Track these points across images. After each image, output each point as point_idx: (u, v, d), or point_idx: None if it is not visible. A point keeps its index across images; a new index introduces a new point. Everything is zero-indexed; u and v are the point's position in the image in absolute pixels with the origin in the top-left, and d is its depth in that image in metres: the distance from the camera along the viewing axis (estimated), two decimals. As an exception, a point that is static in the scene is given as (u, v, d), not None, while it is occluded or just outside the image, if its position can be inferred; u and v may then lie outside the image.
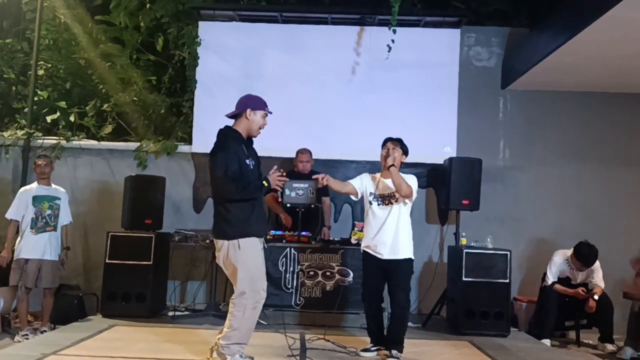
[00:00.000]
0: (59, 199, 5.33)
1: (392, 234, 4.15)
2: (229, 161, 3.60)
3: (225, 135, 3.73)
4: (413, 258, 4.21)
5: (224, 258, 3.66)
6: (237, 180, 3.57)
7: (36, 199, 5.20)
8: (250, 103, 3.75)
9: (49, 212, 5.23)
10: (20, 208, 5.18)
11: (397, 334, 4.18)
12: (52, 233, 5.22)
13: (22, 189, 5.35)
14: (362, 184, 4.29)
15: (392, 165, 4.10)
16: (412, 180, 4.18)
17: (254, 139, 3.85)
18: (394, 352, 4.10)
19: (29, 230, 5.13)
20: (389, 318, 4.32)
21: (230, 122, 3.84)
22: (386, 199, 4.19)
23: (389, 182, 4.18)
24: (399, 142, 4.26)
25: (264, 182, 3.67)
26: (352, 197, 4.34)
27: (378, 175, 4.26)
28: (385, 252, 4.14)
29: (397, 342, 4.16)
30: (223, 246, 3.65)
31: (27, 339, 4.88)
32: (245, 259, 3.60)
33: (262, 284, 3.67)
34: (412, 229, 4.26)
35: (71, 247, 5.51)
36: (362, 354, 4.27)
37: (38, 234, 5.15)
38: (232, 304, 3.64)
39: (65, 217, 5.37)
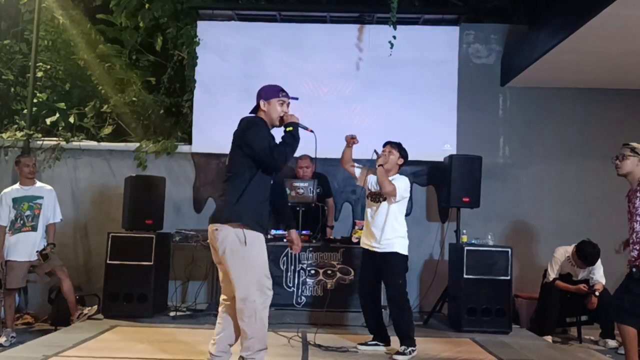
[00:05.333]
0: (41, 197, 5.20)
1: (379, 229, 4.26)
2: (266, 135, 3.37)
3: (254, 119, 3.49)
4: (402, 253, 4.26)
5: (225, 250, 3.28)
6: (277, 146, 3.34)
7: (16, 201, 5.13)
8: (263, 94, 3.52)
9: (28, 212, 5.13)
10: (5, 212, 5.10)
11: (399, 329, 4.26)
12: (28, 233, 5.10)
13: (2, 192, 5.21)
14: (362, 177, 4.48)
15: (381, 165, 4.27)
16: (399, 182, 4.27)
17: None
18: (401, 347, 4.16)
19: (7, 232, 5.08)
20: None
21: None
22: (375, 197, 4.34)
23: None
24: (397, 145, 4.40)
25: (289, 127, 3.40)
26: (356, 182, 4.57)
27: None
28: (375, 246, 4.27)
29: (403, 337, 4.22)
30: (227, 236, 3.27)
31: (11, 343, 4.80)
32: (251, 256, 3.28)
33: (268, 283, 3.38)
34: (411, 227, 4.35)
35: (72, 248, 5.47)
36: (360, 347, 4.36)
37: (14, 234, 5.09)
38: (240, 310, 3.29)
39: (51, 215, 5.24)
